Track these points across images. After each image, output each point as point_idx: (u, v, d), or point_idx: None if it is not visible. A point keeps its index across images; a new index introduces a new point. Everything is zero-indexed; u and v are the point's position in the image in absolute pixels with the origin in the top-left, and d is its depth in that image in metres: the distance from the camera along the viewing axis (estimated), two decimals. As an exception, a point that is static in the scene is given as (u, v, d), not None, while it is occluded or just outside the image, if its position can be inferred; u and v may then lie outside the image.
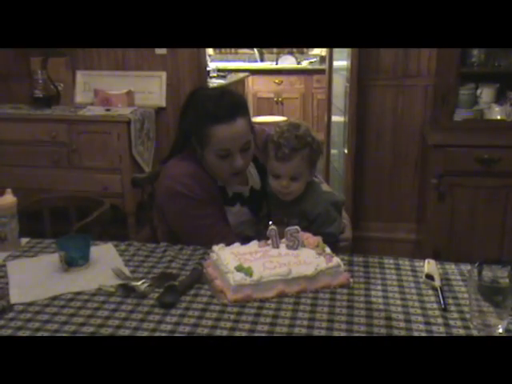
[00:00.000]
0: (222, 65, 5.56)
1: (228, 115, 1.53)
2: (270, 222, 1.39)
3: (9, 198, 1.51)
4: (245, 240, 1.57)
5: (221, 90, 1.67)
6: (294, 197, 1.60)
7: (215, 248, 1.36)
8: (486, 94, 2.75)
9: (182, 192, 1.57)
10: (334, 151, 3.59)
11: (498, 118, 2.71)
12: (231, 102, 1.57)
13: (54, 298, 1.25)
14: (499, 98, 2.76)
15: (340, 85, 3.33)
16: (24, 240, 1.58)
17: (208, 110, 1.55)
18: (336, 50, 3.48)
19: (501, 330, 1.08)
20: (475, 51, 2.68)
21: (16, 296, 1.25)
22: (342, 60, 3.22)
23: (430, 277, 1.29)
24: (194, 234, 1.59)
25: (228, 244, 1.42)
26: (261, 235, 1.45)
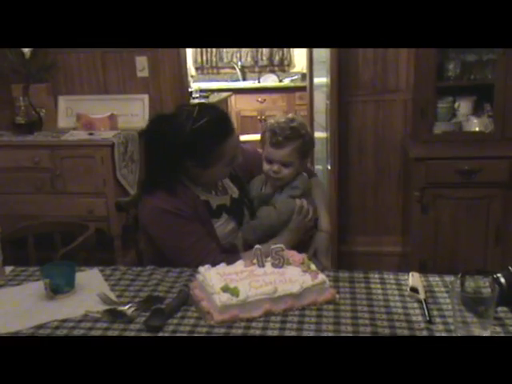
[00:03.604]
0: (204, 85, 5.60)
1: (230, 128, 1.64)
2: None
3: (-8, 227, 1.50)
4: (231, 251, 1.65)
5: (195, 108, 1.64)
6: (284, 183, 1.76)
7: (201, 269, 1.37)
8: (463, 106, 2.81)
9: (168, 209, 1.59)
10: (317, 167, 3.62)
11: (477, 129, 2.76)
12: (224, 114, 1.68)
13: (40, 326, 1.24)
14: (476, 110, 2.82)
15: (321, 101, 3.38)
16: (8, 268, 1.56)
17: (215, 131, 1.60)
18: (316, 67, 3.53)
19: (485, 340, 1.09)
20: (451, 65, 2.74)
21: (1, 326, 1.24)
22: (322, 77, 3.27)
23: (414, 290, 1.31)
24: (181, 251, 1.60)
25: (214, 259, 1.46)
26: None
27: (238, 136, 1.74)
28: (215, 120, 1.61)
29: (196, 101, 4.46)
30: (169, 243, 1.62)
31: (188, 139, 1.58)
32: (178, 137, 1.59)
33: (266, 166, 1.75)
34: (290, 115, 1.81)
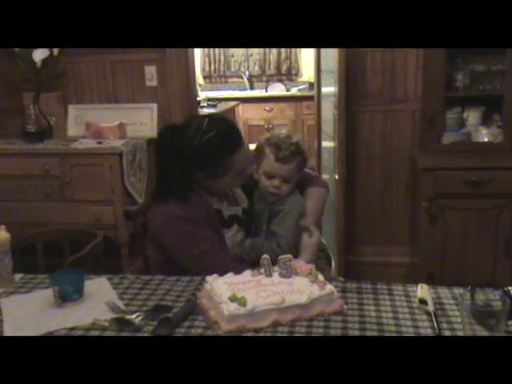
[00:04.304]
0: (212, 94, 5.63)
1: (239, 141, 1.64)
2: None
3: (2, 235, 1.51)
4: (239, 262, 1.64)
5: (206, 119, 1.66)
6: (279, 198, 1.73)
7: (209, 278, 1.36)
8: (472, 117, 2.80)
9: (181, 216, 1.59)
10: (325, 176, 3.62)
11: (486, 140, 2.75)
12: (233, 126, 1.68)
13: (48, 334, 1.24)
14: (485, 121, 2.81)
15: (329, 111, 3.38)
16: (18, 276, 1.57)
17: (223, 143, 1.60)
18: (324, 77, 3.54)
19: (495, 353, 1.08)
20: (460, 75, 2.74)
21: (10, 333, 1.25)
22: (329, 86, 3.28)
23: (423, 301, 1.30)
24: (194, 258, 1.59)
25: (226, 267, 1.46)
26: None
27: (248, 148, 1.73)
28: (224, 133, 1.62)
29: (204, 110, 4.48)
30: (181, 250, 1.62)
31: (196, 151, 1.60)
32: (186, 148, 1.60)
33: (265, 181, 1.72)
34: (285, 131, 1.80)
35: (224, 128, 1.64)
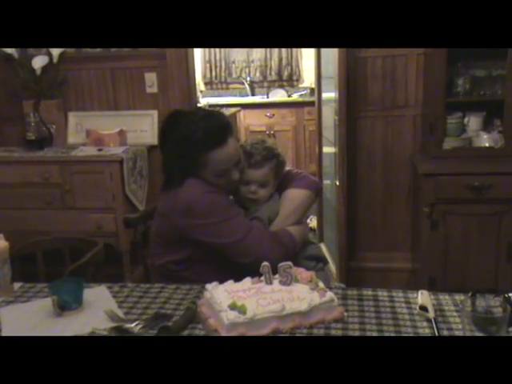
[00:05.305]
0: (213, 100, 5.64)
1: (220, 140, 1.61)
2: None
3: (1, 243, 1.51)
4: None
5: (203, 112, 1.70)
6: (258, 204, 1.74)
7: (209, 286, 1.36)
8: (473, 122, 2.79)
9: (209, 189, 1.62)
10: (326, 182, 3.61)
11: (486, 145, 2.74)
12: (219, 125, 1.65)
13: (47, 343, 1.23)
14: (486, 126, 2.80)
15: (330, 116, 3.38)
16: (17, 285, 1.57)
17: (199, 138, 1.59)
18: (325, 82, 3.54)
19: (496, 361, 1.07)
20: (460, 81, 2.74)
21: (8, 343, 1.24)
22: (330, 92, 3.27)
23: (424, 308, 1.29)
24: (230, 220, 1.60)
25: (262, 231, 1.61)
26: None
27: (236, 153, 1.67)
28: (206, 129, 1.61)
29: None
30: (214, 219, 1.59)
31: (185, 139, 1.61)
32: (183, 133, 1.62)
33: (242, 188, 1.74)
34: (260, 137, 1.84)
35: (208, 125, 1.62)
